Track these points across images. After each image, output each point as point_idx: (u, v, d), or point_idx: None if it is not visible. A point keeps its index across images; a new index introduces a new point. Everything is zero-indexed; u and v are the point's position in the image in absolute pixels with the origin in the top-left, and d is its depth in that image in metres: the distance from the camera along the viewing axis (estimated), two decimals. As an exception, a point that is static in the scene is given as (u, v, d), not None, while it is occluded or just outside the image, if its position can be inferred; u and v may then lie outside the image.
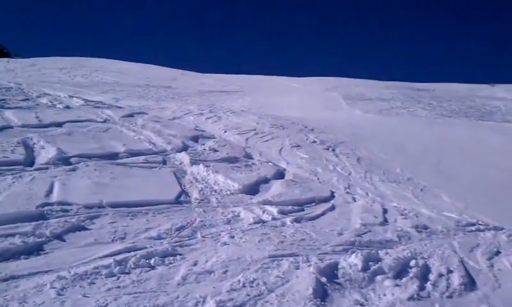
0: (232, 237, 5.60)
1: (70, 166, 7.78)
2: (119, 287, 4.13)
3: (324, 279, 4.55)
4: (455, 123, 26.33)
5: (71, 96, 16.41)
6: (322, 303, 4.13)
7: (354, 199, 9.04)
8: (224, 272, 4.55)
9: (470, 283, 5.15)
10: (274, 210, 6.94)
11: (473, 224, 8.16)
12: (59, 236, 5.14)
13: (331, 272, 4.78)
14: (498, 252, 6.41)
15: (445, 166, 16.91)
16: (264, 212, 6.82)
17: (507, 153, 20.50)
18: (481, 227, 8.06)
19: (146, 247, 4.99)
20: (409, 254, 5.63)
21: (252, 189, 8.12)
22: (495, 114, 32.26)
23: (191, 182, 7.90)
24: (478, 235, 7.33)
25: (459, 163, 17.81)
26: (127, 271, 4.43)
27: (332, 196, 8.87)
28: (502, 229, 8.11)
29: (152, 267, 4.56)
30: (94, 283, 4.16)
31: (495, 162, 18.44)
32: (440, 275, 5.21)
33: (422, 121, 25.97)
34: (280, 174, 10.08)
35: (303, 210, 7.42)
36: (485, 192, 13.70)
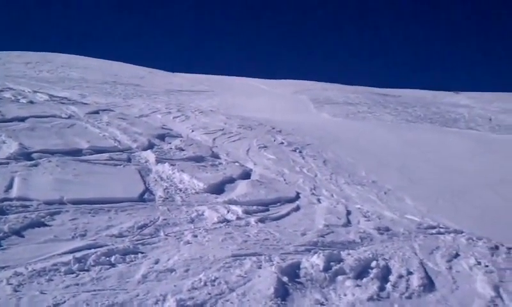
0: (195, 236, 5.57)
1: (32, 162, 7.61)
2: (77, 284, 4.06)
3: (285, 279, 4.57)
4: (420, 129, 26.82)
5: (35, 91, 16.10)
6: (283, 302, 4.14)
7: (318, 201, 9.11)
8: (186, 271, 4.52)
9: (429, 284, 5.24)
10: (239, 209, 6.93)
11: (434, 227, 8.32)
12: (18, 232, 5.02)
13: (293, 272, 4.80)
14: (457, 255, 6.55)
15: (409, 170, 17.20)
16: (228, 211, 6.80)
17: (469, 159, 20.98)
18: (442, 230, 8.22)
19: (107, 245, 4.92)
20: (371, 255, 5.70)
21: (217, 189, 8.10)
22: (458, 120, 33.00)
23: (156, 180, 7.83)
24: (438, 238, 7.48)
25: (423, 167, 18.13)
26: (86, 268, 4.36)
27: (297, 197, 8.92)
28: (462, 232, 8.29)
29: (112, 265, 4.50)
30: (52, 280, 4.08)
31: (458, 167, 18.86)
32: (400, 276, 5.29)
33: (387, 126, 26.39)
34: (246, 175, 10.08)
35: (267, 210, 7.44)
36: (447, 196, 14.00)
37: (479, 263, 6.23)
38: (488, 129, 29.50)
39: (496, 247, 7.35)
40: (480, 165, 19.67)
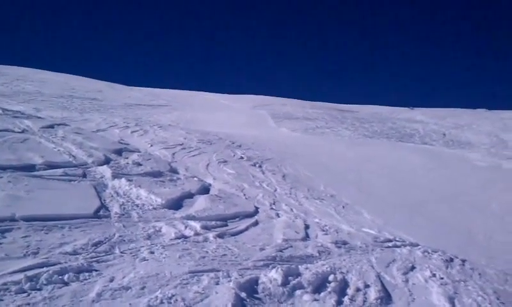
0: (152, 253, 5.47)
1: (-18, 178, 7.33)
2: (29, 304, 3.91)
3: (243, 295, 4.53)
4: (376, 144, 27.36)
5: (-13, 105, 15.59)
6: (241, 318, 4.11)
7: (277, 215, 9.13)
8: (142, 288, 4.42)
9: (385, 297, 5.30)
10: (197, 225, 6.86)
11: (390, 240, 8.46)
12: (-35, 251, 4.81)
13: (251, 288, 4.77)
14: (413, 268, 6.67)
15: (367, 184, 17.50)
16: (186, 227, 6.72)
17: (424, 173, 21.49)
18: (398, 243, 8.37)
19: (60, 263, 4.76)
20: (329, 269, 5.73)
21: (175, 204, 8.00)
22: (414, 136, 33.86)
23: (112, 196, 7.67)
24: (395, 251, 7.60)
25: (379, 182, 18.47)
26: (38, 287, 4.20)
27: (256, 212, 8.91)
28: (418, 245, 8.46)
29: (66, 283, 4.35)
30: (2, 300, 3.91)
31: (413, 182, 19.28)
32: (358, 289, 5.33)
33: (345, 141, 26.82)
34: (205, 190, 10.02)
35: (226, 225, 7.40)
36: (403, 210, 14.28)
37: (434, 276, 6.36)
38: (442, 144, 30.35)
39: (451, 260, 7.53)
40: (434, 180, 20.17)
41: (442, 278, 6.29)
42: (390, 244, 8.10)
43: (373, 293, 5.27)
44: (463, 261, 7.62)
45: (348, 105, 48.58)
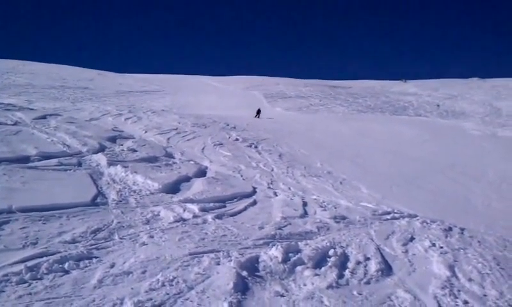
0: (151, 237, 5.45)
1: (-23, 171, 7.28)
2: (30, 294, 3.89)
3: (244, 273, 4.53)
4: (371, 118, 27.40)
5: (-22, 99, 15.48)
6: (243, 297, 4.10)
7: (275, 194, 9.13)
8: (143, 272, 4.41)
9: (386, 269, 5.32)
10: (195, 207, 6.85)
11: (389, 213, 8.48)
12: (-36, 244, 4.78)
13: (251, 266, 4.77)
14: (412, 238, 6.69)
15: (363, 159, 17.55)
16: (184, 210, 6.71)
17: (419, 144, 21.58)
18: (396, 215, 8.39)
19: (59, 252, 4.74)
20: (328, 244, 5.74)
21: (173, 188, 7.99)
22: (407, 108, 33.89)
23: (108, 183, 7.64)
24: (394, 223, 7.62)
25: (375, 156, 18.52)
26: (39, 277, 4.19)
27: (254, 192, 8.91)
28: (416, 216, 8.49)
29: (66, 272, 4.34)
30: (3, 291, 3.89)
31: (409, 153, 19.36)
32: (358, 262, 5.35)
33: (339, 117, 26.81)
34: (202, 172, 10.00)
35: (224, 206, 7.39)
36: (400, 183, 14.33)
37: (434, 245, 6.38)
38: (436, 115, 30.40)
39: (450, 229, 7.56)
40: (430, 151, 20.27)
41: (442, 247, 6.31)
42: (388, 217, 8.12)
43: (373, 266, 5.29)
44: (462, 229, 7.65)
45: (341, 81, 48.51)
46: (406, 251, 6.08)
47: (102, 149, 9.92)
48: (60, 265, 4.41)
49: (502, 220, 10.92)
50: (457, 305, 4.47)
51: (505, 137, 23.82)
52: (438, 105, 33.97)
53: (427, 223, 7.76)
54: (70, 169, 8.08)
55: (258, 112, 27.67)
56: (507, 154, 19.71)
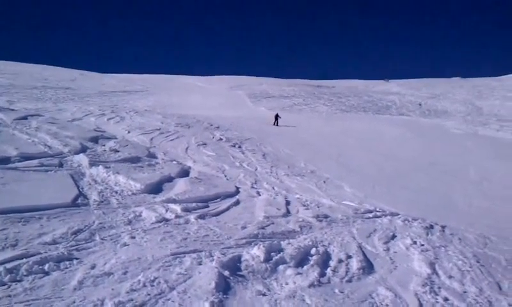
0: (133, 238, 5.42)
1: (-45, 173, 7.17)
2: (10, 296, 3.85)
3: (226, 273, 4.53)
4: (354, 118, 27.54)
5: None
6: (225, 296, 4.09)
7: (258, 193, 9.14)
8: (124, 273, 4.38)
9: (368, 267, 5.35)
10: (177, 208, 6.83)
11: (371, 211, 8.53)
12: None
13: (234, 265, 4.77)
14: (394, 236, 6.74)
15: (346, 158, 17.62)
16: (167, 210, 6.68)
17: (402, 143, 21.74)
18: (378, 213, 8.45)
19: (39, 253, 4.69)
20: (310, 243, 5.76)
21: (155, 188, 7.95)
22: (390, 107, 34.14)
23: (90, 184, 7.58)
24: (375, 221, 7.68)
25: (358, 155, 18.62)
26: (18, 279, 4.14)
27: (237, 192, 8.90)
28: (398, 214, 8.55)
29: (46, 273, 4.29)
30: (-19, 294, 3.85)
31: (391, 153, 19.49)
32: (340, 261, 5.37)
33: (322, 117, 26.91)
34: (185, 173, 9.97)
35: (207, 206, 7.38)
36: (383, 181, 14.41)
37: (415, 243, 6.44)
38: (418, 114, 30.66)
39: (431, 227, 7.64)
40: (412, 150, 20.43)
41: (423, 245, 6.37)
42: (370, 215, 8.17)
43: (355, 264, 5.32)
44: (443, 227, 7.73)
45: (324, 80, 48.71)
46: (388, 249, 6.12)
47: (83, 149, 9.84)
48: (40, 267, 4.37)
49: (483, 218, 11.03)
50: (437, 302, 4.51)
51: (486, 135, 24.12)
52: (420, 104, 34.27)
53: (409, 221, 7.83)
54: (51, 170, 8.00)
55: (276, 117, 24.26)
56: (488, 153, 19.94)
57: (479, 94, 39.86)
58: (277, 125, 23.10)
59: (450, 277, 5.21)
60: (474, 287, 4.97)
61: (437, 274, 5.30)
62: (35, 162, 8.25)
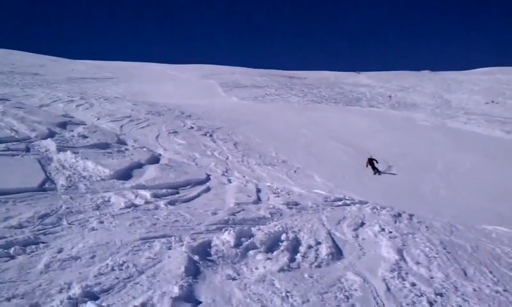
0: (101, 222, 5.35)
1: None
2: (-27, 280, 3.76)
3: (196, 257, 4.50)
4: (325, 109, 27.70)
5: None
6: (194, 280, 4.07)
7: (229, 181, 9.12)
8: (92, 257, 4.32)
9: (337, 253, 5.39)
10: (147, 193, 6.77)
11: (340, 200, 8.61)
12: None
13: (203, 251, 4.75)
14: (362, 224, 6.82)
15: (317, 149, 17.74)
16: (136, 196, 6.61)
17: (372, 134, 21.97)
18: (348, 202, 8.53)
19: (5, 237, 4.59)
20: (281, 229, 5.77)
21: (124, 174, 7.85)
22: (361, 99, 34.45)
23: (57, 169, 7.44)
24: (345, 209, 7.75)
25: (329, 145, 18.76)
26: (-18, 263, 4.04)
27: (208, 179, 8.87)
28: (367, 203, 8.66)
29: (12, 257, 4.20)
30: None
31: (362, 144, 19.67)
32: (309, 247, 5.40)
33: (294, 107, 26.99)
34: (155, 160, 9.87)
35: (177, 192, 7.33)
36: (352, 171, 14.58)
37: (383, 230, 6.52)
38: (388, 106, 31.01)
39: (399, 215, 7.75)
40: (382, 141, 20.66)
41: (391, 232, 6.46)
42: (340, 203, 8.25)
43: (324, 250, 5.35)
44: (411, 215, 7.85)
45: (296, 71, 48.82)
46: (357, 236, 6.19)
47: (51, 135, 9.65)
48: (5, 250, 4.27)
49: (450, 208, 11.28)
50: (405, 287, 4.57)
51: (454, 128, 24.55)
52: (390, 97, 34.65)
53: (377, 209, 7.93)
54: (18, 155, 7.83)
55: (372, 162, 16.10)
56: (455, 145, 20.31)
57: (448, 87, 40.55)
58: (378, 173, 15.71)
59: (417, 263, 5.30)
60: (441, 273, 5.07)
61: (405, 260, 5.38)
62: (1, 146, 8.06)
